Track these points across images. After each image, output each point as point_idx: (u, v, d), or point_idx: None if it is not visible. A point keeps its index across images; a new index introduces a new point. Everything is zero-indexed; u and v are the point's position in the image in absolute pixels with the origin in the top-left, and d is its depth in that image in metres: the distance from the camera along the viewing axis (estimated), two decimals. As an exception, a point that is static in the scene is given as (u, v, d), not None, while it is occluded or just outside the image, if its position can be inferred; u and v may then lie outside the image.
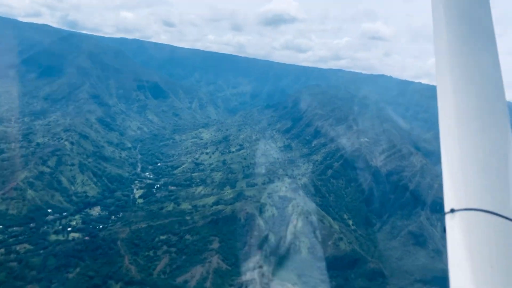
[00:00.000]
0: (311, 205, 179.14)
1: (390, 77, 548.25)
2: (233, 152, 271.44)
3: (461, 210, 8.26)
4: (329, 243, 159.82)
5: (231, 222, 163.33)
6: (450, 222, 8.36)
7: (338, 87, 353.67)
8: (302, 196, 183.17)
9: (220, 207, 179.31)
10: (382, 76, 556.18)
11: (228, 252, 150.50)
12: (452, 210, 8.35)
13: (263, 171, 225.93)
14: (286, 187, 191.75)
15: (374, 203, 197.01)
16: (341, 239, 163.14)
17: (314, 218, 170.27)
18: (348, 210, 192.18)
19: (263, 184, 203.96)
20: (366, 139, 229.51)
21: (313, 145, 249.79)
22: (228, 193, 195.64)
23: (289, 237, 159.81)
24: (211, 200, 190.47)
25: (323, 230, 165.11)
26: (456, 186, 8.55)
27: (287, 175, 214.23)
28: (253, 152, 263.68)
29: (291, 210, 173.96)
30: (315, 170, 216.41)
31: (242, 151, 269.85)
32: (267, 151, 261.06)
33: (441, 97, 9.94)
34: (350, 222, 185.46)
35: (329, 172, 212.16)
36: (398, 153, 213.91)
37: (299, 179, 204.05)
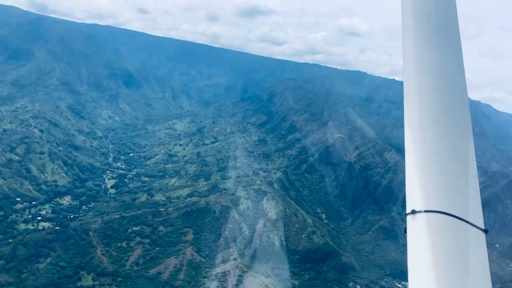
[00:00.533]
0: (285, 199, 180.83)
1: (365, 73, 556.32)
2: (207, 144, 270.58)
3: (422, 212, 8.49)
4: (303, 236, 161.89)
5: (205, 214, 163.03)
6: (411, 223, 8.59)
7: (314, 82, 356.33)
8: (276, 190, 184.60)
9: (194, 199, 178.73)
10: (357, 72, 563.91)
11: (202, 244, 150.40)
12: (413, 211, 8.57)
13: (238, 164, 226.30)
14: (260, 180, 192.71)
15: (347, 198, 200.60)
16: (314, 232, 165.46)
17: (288, 211, 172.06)
18: (321, 204, 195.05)
19: (238, 177, 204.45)
20: (340, 135, 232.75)
21: (288, 139, 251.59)
22: (203, 185, 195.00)
23: (263, 230, 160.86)
24: (185, 192, 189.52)
25: (296, 224, 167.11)
26: (417, 188, 8.75)
27: (261, 169, 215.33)
28: (228, 145, 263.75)
29: (265, 203, 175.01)
30: (289, 165, 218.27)
31: (216, 143, 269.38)
32: (242, 144, 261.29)
33: (407, 100, 10.14)
34: (323, 216, 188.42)
35: (304, 167, 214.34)
36: (371, 149, 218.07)
37: (274, 173, 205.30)
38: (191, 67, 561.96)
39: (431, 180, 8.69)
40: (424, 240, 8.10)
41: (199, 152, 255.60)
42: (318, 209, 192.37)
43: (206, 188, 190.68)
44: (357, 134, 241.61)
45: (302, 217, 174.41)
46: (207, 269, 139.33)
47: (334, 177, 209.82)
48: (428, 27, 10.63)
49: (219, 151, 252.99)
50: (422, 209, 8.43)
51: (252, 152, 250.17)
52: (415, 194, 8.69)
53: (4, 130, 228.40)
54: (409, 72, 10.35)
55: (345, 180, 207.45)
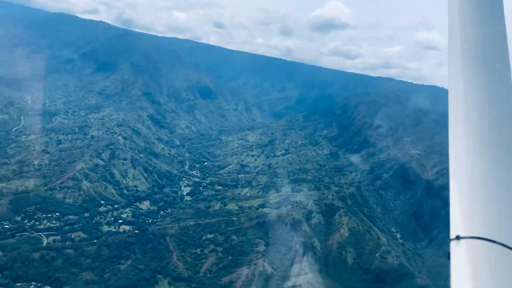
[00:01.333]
0: (358, 215, 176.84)
1: (442, 88, 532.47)
2: (278, 156, 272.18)
3: (467, 238, 8.19)
4: (376, 255, 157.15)
5: (277, 226, 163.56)
6: (455, 248, 8.29)
7: (388, 96, 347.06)
8: (349, 206, 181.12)
9: (266, 210, 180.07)
10: (434, 87, 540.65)
11: (274, 256, 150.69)
12: (458, 237, 8.29)
13: (309, 177, 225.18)
14: (333, 195, 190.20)
15: (423, 218, 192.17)
16: (388, 252, 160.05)
17: (361, 228, 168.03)
18: (396, 223, 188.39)
19: (309, 190, 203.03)
20: (417, 151, 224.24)
21: (361, 154, 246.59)
22: (274, 197, 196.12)
23: (335, 246, 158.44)
24: (256, 202, 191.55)
25: (370, 242, 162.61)
26: (463, 213, 8.50)
27: (333, 183, 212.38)
28: (299, 157, 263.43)
29: (337, 219, 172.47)
30: (362, 180, 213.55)
31: (287, 155, 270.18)
32: (313, 157, 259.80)
33: (452, 122, 9.93)
34: (398, 236, 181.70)
35: (378, 183, 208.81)
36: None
37: (346, 188, 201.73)
38: (264, 80, 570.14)
39: (477, 206, 8.49)
40: (468, 268, 7.89)
41: (270, 164, 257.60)
42: (393, 228, 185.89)
43: (277, 200, 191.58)
44: (434, 151, 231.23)
45: (376, 235, 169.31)
46: (278, 281, 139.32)
47: (410, 195, 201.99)
48: (474, 32, 10.46)
49: (290, 163, 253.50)
50: (467, 235, 8.24)
51: (324, 166, 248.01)
52: (461, 219, 8.52)
53: (92, 137, 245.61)
54: (454, 96, 10.23)
55: (422, 198, 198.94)
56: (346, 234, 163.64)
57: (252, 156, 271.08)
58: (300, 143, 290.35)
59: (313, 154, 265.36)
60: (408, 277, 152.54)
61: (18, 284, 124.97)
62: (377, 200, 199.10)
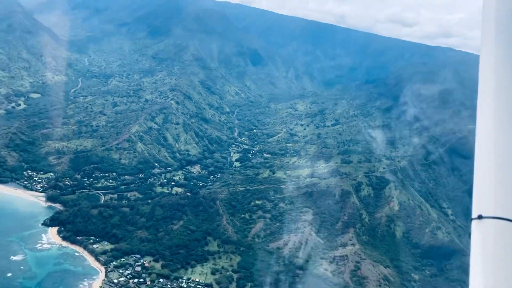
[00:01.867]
0: (409, 190, 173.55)
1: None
2: (328, 126, 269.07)
3: (489, 218, 8.15)
4: (426, 230, 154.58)
5: (325, 197, 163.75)
6: (476, 228, 8.28)
7: (447, 67, 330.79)
8: (400, 179, 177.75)
9: (314, 180, 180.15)
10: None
11: (321, 225, 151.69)
12: (480, 217, 8.25)
13: (360, 149, 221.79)
14: (384, 168, 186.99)
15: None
16: (439, 228, 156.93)
17: (412, 203, 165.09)
18: (448, 199, 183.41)
19: (359, 162, 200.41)
20: (475, 127, 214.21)
21: (415, 127, 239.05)
22: (323, 167, 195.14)
23: (384, 219, 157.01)
24: (305, 172, 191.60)
25: (420, 217, 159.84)
26: (486, 193, 8.46)
27: (384, 156, 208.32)
28: (349, 128, 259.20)
29: (388, 192, 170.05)
30: (415, 154, 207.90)
31: (337, 126, 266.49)
32: (365, 129, 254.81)
33: (481, 104, 9.76)
34: (449, 212, 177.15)
35: (431, 157, 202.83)
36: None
37: (398, 161, 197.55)
38: (316, 47, 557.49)
39: (502, 187, 8.46)
40: (489, 247, 7.98)
41: (319, 134, 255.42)
42: (444, 204, 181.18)
43: (326, 170, 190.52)
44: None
45: (427, 210, 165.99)
46: (325, 250, 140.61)
47: (465, 172, 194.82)
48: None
49: (340, 134, 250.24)
50: (490, 215, 8.22)
51: (375, 138, 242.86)
52: (484, 199, 8.53)
53: (146, 100, 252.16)
54: (485, 72, 10.14)
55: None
56: (396, 208, 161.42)
57: (302, 125, 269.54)
58: (351, 113, 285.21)
59: (364, 126, 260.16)
60: (459, 254, 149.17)
61: (79, 237, 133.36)
62: (429, 175, 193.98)
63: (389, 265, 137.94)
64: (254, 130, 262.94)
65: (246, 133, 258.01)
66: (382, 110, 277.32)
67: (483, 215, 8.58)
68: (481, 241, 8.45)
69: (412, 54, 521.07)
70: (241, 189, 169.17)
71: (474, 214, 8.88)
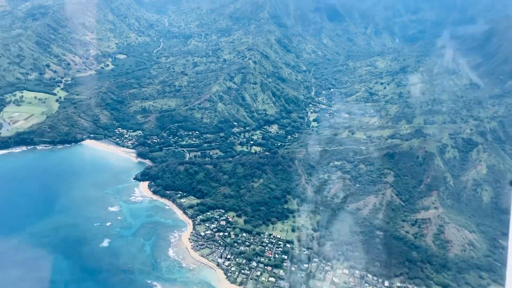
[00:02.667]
0: (499, 153, 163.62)
1: None
2: (410, 85, 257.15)
3: None
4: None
5: (407, 158, 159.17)
6: None
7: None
8: (489, 142, 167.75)
9: (396, 141, 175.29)
10: None
11: (403, 187, 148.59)
12: None
13: (444, 109, 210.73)
14: (471, 129, 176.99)
15: None
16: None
17: (501, 167, 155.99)
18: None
19: (444, 123, 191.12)
20: None
21: (507, 85, 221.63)
22: (405, 128, 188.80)
23: (470, 182, 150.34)
24: (386, 133, 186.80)
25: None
26: None
27: (472, 116, 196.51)
28: (433, 87, 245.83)
29: (475, 155, 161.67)
30: (507, 115, 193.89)
31: (420, 84, 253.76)
32: (450, 87, 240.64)
33: None
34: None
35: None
36: None
37: (488, 122, 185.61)
38: (396, 1, 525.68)
39: None
40: None
41: (401, 93, 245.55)
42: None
43: (408, 131, 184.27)
44: None
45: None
46: (406, 213, 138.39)
47: None
48: None
49: (423, 93, 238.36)
50: None
51: (462, 97, 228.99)
52: None
53: (224, 60, 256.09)
54: None
55: None
56: (484, 171, 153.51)
57: (382, 84, 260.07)
58: (435, 71, 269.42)
59: (450, 84, 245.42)
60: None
61: (168, 192, 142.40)
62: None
63: (475, 230, 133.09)
64: (332, 89, 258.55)
65: (323, 92, 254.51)
66: (469, 68, 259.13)
67: None
68: None
69: (505, 6, 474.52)
70: (319, 149, 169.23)
71: None
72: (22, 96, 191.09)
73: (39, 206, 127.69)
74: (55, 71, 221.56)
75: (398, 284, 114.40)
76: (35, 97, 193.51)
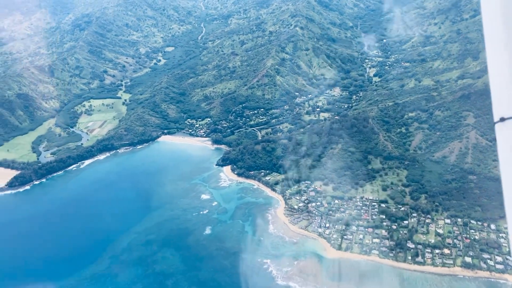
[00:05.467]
0: None
1: None
2: (466, 19, 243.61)
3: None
4: None
5: (485, 96, 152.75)
6: (501, 131, 8.51)
7: None
8: None
9: (467, 81, 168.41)
10: None
11: (486, 127, 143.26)
12: (502, 119, 8.45)
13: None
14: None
15: None
16: None
17: None
18: None
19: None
20: None
21: None
22: (473, 65, 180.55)
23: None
24: (454, 74, 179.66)
25: None
26: (505, 93, 8.46)
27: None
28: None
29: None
30: None
31: (478, 17, 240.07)
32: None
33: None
34: None
35: None
36: None
37: None
38: None
39: None
40: None
41: (458, 29, 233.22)
42: None
43: (477, 68, 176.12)
44: None
45: None
46: (495, 152, 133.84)
47: None
48: None
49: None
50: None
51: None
52: (503, 100, 8.42)
53: (270, 32, 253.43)
54: None
55: None
56: None
57: (435, 24, 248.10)
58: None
59: None
60: None
61: (251, 172, 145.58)
62: None
63: None
64: (384, 40, 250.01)
65: (376, 45, 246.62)
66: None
67: (505, 116, 8.65)
68: (507, 143, 8.46)
69: None
70: (390, 103, 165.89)
71: (496, 118, 8.86)
72: (91, 105, 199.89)
73: (136, 205, 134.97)
74: (113, 76, 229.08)
75: (505, 225, 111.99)
76: (103, 104, 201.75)
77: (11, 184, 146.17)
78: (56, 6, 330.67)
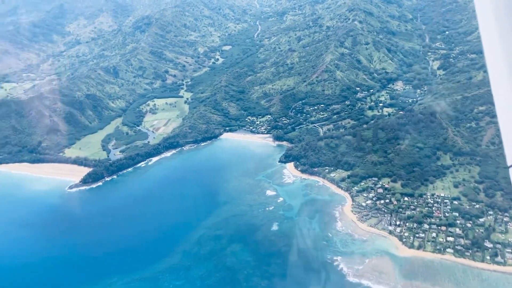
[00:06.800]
0: None
1: None
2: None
3: None
4: None
5: None
6: None
7: None
8: None
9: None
10: None
11: None
12: None
13: None
14: None
15: None
16: None
17: None
18: None
19: None
20: None
21: None
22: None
23: None
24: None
25: None
26: None
27: None
28: None
29: None
30: None
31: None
32: None
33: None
34: None
35: None
36: None
37: None
38: None
39: None
40: None
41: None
42: None
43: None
44: None
45: None
46: None
47: None
48: None
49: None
50: None
51: None
52: None
53: (328, 27, 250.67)
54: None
55: None
56: None
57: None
58: None
59: None
60: None
61: (315, 169, 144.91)
62: None
63: None
64: (447, 32, 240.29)
65: (439, 36, 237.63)
66: None
67: None
68: None
69: None
70: (458, 97, 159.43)
71: (509, 162, 9.39)
72: (155, 104, 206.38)
73: (204, 201, 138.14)
74: (174, 75, 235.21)
75: None
76: (166, 103, 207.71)
77: (84, 181, 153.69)
78: (117, 10, 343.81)
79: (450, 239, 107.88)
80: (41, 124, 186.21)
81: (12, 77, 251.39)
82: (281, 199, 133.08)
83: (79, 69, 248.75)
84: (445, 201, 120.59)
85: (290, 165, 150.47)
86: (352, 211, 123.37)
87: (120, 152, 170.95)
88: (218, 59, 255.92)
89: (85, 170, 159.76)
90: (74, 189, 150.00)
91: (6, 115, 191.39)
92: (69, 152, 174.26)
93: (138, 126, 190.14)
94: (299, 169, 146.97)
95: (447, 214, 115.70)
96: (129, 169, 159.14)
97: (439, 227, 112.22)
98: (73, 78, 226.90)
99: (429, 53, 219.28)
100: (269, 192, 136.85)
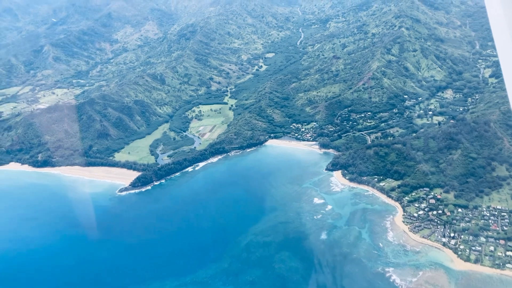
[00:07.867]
0: None
1: None
2: None
3: None
4: None
5: None
6: None
7: None
8: None
9: None
10: None
11: None
12: None
13: None
14: None
15: None
16: None
17: None
18: None
19: None
20: None
21: None
22: None
23: None
24: None
25: None
26: None
27: None
28: None
29: None
30: None
31: None
32: None
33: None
34: None
35: None
36: None
37: None
38: None
39: None
40: None
41: None
42: None
43: None
44: None
45: None
46: None
47: None
48: None
49: None
50: None
51: None
52: None
53: (373, 34, 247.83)
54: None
55: None
56: None
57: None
58: None
59: None
60: None
61: (364, 177, 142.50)
62: None
63: None
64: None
65: (489, 43, 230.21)
66: None
67: None
68: None
69: None
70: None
71: None
72: (200, 110, 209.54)
73: (251, 207, 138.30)
74: (218, 82, 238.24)
75: None
76: (211, 109, 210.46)
77: (134, 184, 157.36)
78: (162, 18, 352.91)
79: (510, 253, 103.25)
80: (92, 129, 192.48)
81: (63, 83, 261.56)
82: (329, 207, 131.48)
83: (127, 76, 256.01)
84: (502, 214, 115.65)
85: (337, 173, 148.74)
86: (403, 222, 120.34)
87: (167, 157, 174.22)
88: (261, 66, 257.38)
89: (134, 174, 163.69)
90: (124, 192, 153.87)
91: (59, 120, 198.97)
92: (119, 156, 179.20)
93: (184, 131, 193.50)
94: (347, 177, 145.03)
95: (505, 228, 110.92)
96: (177, 174, 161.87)
97: (497, 241, 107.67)
98: (121, 84, 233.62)
99: (480, 60, 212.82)
100: (317, 200, 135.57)
